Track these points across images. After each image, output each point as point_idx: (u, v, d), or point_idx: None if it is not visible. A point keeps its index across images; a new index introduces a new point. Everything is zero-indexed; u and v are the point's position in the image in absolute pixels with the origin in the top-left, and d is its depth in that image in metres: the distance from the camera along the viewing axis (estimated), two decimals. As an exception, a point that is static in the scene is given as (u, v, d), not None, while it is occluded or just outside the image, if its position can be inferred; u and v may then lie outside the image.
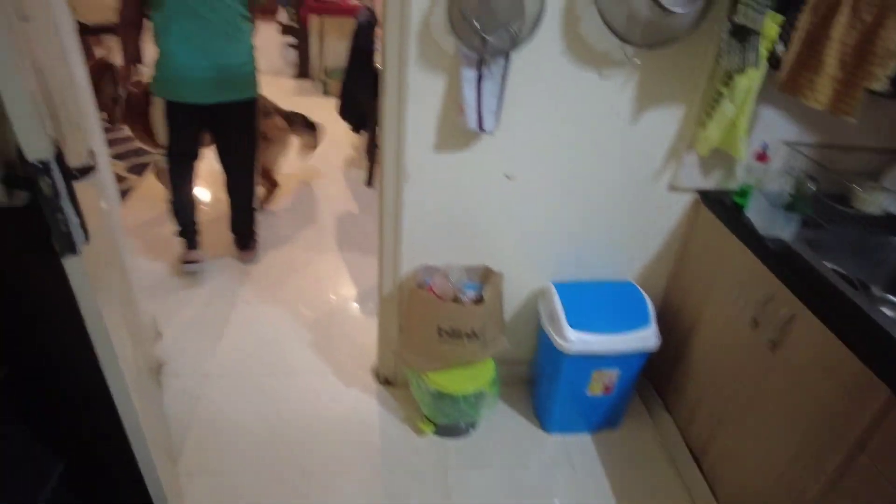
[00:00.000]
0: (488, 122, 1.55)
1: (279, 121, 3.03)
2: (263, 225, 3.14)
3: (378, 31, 3.56)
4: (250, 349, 2.28)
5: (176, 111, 2.35)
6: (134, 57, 2.42)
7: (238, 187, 2.69)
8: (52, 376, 1.07)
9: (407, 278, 1.85)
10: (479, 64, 1.50)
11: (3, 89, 0.69)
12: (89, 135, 1.66)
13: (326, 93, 5.10)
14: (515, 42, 1.47)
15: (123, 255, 1.90)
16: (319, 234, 3.12)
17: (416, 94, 1.57)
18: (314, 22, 5.15)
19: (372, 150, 3.56)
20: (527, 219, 1.82)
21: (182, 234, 2.67)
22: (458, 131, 1.61)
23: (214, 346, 2.28)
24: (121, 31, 2.34)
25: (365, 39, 3.32)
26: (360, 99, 3.45)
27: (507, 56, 1.50)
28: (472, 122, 1.53)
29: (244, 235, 2.82)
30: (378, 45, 3.31)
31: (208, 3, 2.17)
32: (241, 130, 2.54)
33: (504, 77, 1.53)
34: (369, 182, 3.64)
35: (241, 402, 2.04)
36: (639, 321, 1.83)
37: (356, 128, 3.74)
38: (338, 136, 3.99)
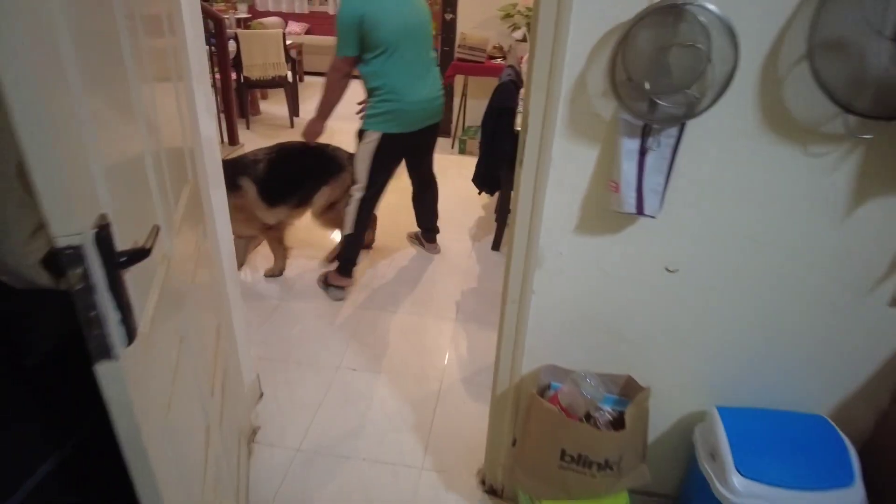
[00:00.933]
0: (650, 204, 1.23)
1: (348, 176, 2.85)
2: (379, 288, 3.01)
3: (523, 90, 3.40)
4: (348, 425, 2.08)
5: (391, 143, 2.62)
6: (331, 110, 2.66)
7: (427, 193, 3.14)
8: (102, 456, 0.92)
9: (528, 378, 1.55)
10: (644, 133, 1.20)
11: (33, 168, 0.53)
12: (210, 188, 1.60)
13: (462, 151, 5.03)
14: (694, 108, 1.16)
15: (232, 313, 1.82)
16: (437, 298, 2.92)
17: (559, 165, 1.30)
18: (458, 81, 5.16)
19: (503, 213, 3.34)
20: (689, 323, 1.45)
21: (344, 262, 2.88)
22: (607, 212, 1.31)
23: (312, 416, 2.11)
24: (333, 82, 2.55)
25: (505, 99, 3.16)
26: (496, 160, 3.28)
27: (681, 125, 1.20)
28: (628, 202, 1.23)
29: (431, 230, 3.27)
30: (521, 108, 3.14)
31: (415, 42, 2.54)
32: (431, 149, 3.00)
33: (675, 150, 1.22)
34: (496, 246, 3.42)
35: (330, 486, 1.83)
36: (837, 476, 1.35)
37: (490, 190, 3.57)
38: (468, 194, 3.83)
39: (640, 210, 1.23)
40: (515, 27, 4.70)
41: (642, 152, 1.22)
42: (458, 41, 4.83)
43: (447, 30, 5.10)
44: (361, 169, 2.68)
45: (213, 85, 4.31)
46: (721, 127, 1.22)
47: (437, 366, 2.42)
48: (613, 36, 1.17)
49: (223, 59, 4.17)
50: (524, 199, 1.35)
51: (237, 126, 4.59)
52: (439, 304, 2.86)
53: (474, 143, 4.67)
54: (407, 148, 2.78)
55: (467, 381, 2.34)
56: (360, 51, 2.46)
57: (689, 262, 1.38)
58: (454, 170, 4.60)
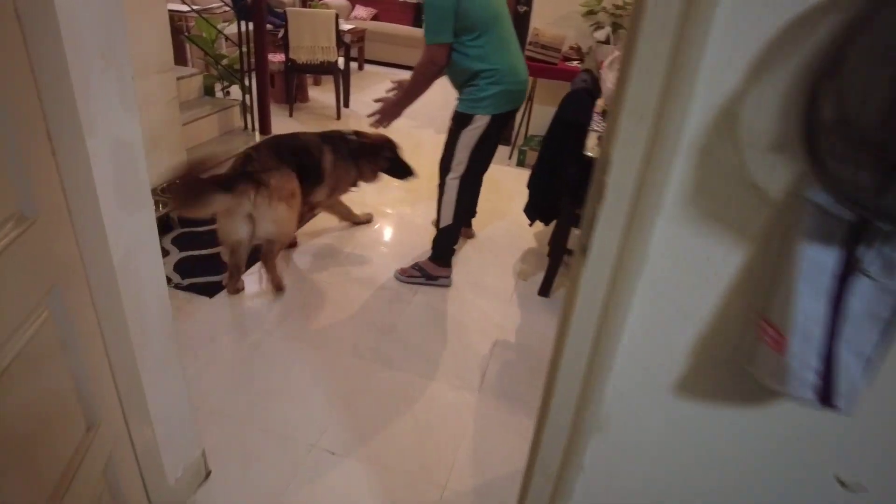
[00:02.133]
0: (848, 385, 0.59)
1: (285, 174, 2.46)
2: (390, 331, 2.44)
3: (599, 102, 2.74)
4: (308, 541, 1.53)
5: (497, 125, 2.47)
6: (414, 101, 2.55)
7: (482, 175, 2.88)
8: None
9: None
10: (854, 237, 0.57)
11: None
12: (120, 211, 1.06)
13: (521, 163, 4.40)
14: None
15: (150, 387, 1.29)
16: (459, 355, 2.31)
17: (659, 267, 0.68)
18: (525, 83, 4.52)
19: (557, 249, 2.70)
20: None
21: (442, 253, 2.73)
22: (739, 369, 0.68)
23: (264, 520, 1.57)
24: (427, 76, 2.40)
25: (574, 110, 2.54)
26: (557, 184, 2.65)
27: (949, 231, 0.55)
28: (802, 378, 0.59)
29: (473, 213, 3.12)
30: (596, 125, 2.49)
31: (505, 18, 2.43)
32: None
33: (919, 281, 0.57)
34: (545, 291, 2.77)
35: None
36: None
37: (545, 219, 2.94)
38: (520, 218, 3.14)
39: (825, 398, 0.59)
40: (598, 26, 4.03)
41: (843, 276, 0.58)
42: (529, 37, 4.19)
43: (519, 24, 4.44)
44: (462, 154, 2.51)
45: (248, 67, 3.86)
46: None
47: (444, 461, 1.82)
48: (819, 21, 0.54)
49: (259, 38, 3.70)
50: (583, 316, 0.73)
51: (271, 114, 4.12)
52: (460, 366, 2.25)
53: (535, 156, 4.02)
54: (502, 129, 2.62)
55: (480, 494, 1.72)
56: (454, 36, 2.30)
57: (882, 475, 0.72)
58: (509, 183, 3.97)
